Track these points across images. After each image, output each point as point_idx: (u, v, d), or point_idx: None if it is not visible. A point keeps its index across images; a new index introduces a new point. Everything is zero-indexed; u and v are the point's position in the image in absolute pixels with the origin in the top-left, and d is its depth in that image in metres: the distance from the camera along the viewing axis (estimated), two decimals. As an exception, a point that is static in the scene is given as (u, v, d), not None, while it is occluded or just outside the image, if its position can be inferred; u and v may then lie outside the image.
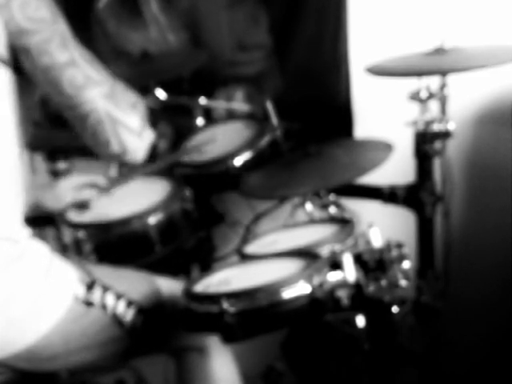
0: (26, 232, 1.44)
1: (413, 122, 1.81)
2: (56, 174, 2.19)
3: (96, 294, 1.46)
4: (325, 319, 1.45)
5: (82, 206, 1.79)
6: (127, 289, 1.51)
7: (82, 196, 1.77)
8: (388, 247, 1.48)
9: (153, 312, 1.53)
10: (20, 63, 1.37)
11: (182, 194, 1.88)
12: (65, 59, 1.36)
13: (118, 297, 1.48)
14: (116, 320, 1.48)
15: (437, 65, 1.77)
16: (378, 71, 1.85)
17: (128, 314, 1.49)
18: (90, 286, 1.46)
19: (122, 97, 1.41)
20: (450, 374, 1.97)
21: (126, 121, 1.39)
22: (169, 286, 1.60)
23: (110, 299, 1.47)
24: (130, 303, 1.49)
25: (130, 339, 1.51)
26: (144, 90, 2.19)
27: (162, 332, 1.57)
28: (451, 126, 1.80)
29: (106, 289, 1.47)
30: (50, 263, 1.43)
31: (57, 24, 1.37)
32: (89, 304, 1.45)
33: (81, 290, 1.45)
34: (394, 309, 1.43)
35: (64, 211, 1.79)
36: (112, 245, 1.81)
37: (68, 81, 1.36)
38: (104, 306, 1.46)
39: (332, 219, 1.78)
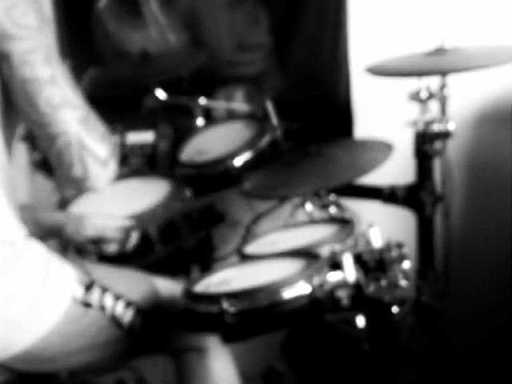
0: (22, 233, 1.44)
1: (413, 122, 1.81)
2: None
3: (95, 295, 1.46)
4: (325, 319, 1.45)
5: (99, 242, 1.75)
6: (126, 289, 1.51)
7: (104, 239, 1.72)
8: (388, 247, 1.48)
9: (151, 312, 1.53)
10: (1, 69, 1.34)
11: (182, 194, 1.88)
12: (46, 75, 1.32)
13: (117, 298, 1.48)
14: (115, 321, 1.48)
15: (437, 65, 1.77)
16: (378, 71, 1.85)
17: (127, 315, 1.49)
18: (89, 287, 1.45)
19: (94, 125, 1.38)
20: (449, 374, 1.97)
21: (94, 149, 1.37)
22: (167, 287, 1.59)
23: (108, 300, 1.47)
24: (128, 304, 1.49)
25: (129, 340, 1.51)
26: (144, 89, 2.20)
27: (161, 332, 1.56)
28: (451, 126, 1.79)
29: (104, 290, 1.47)
30: (48, 264, 1.43)
31: (43, 34, 1.32)
32: (87, 305, 1.44)
33: (79, 291, 1.44)
34: (394, 309, 1.43)
35: (81, 244, 1.74)
36: (112, 245, 1.81)
37: (45, 98, 1.32)
38: (103, 308, 1.46)
39: (332, 219, 1.78)
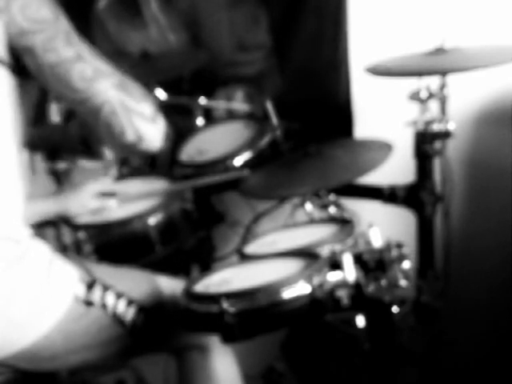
0: (27, 232, 1.44)
1: (413, 121, 1.81)
2: (56, 174, 2.18)
3: (96, 294, 1.46)
4: (325, 319, 1.45)
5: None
6: (127, 288, 1.51)
7: (105, 204, 1.84)
8: (388, 247, 1.48)
9: (153, 311, 1.53)
10: (21, 64, 1.37)
11: (182, 194, 1.89)
12: (71, 54, 1.35)
13: (119, 296, 1.48)
14: (116, 319, 1.48)
15: (437, 65, 1.77)
16: (378, 71, 1.85)
17: (128, 314, 1.49)
18: (91, 286, 1.46)
19: (132, 87, 1.41)
20: (449, 374, 1.97)
21: (139, 108, 1.39)
22: (169, 285, 1.60)
23: (110, 299, 1.47)
24: (130, 302, 1.50)
25: (131, 338, 1.51)
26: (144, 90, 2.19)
27: (163, 331, 1.57)
28: (451, 126, 1.79)
29: (106, 288, 1.47)
30: (50, 263, 1.43)
31: (59, 22, 1.36)
32: (89, 304, 1.45)
33: (81, 290, 1.45)
34: (394, 309, 1.43)
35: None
36: (112, 245, 1.81)
37: (78, 75, 1.35)
38: (104, 306, 1.46)
39: (332, 219, 1.78)
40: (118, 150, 1.45)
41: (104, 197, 1.85)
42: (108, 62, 1.43)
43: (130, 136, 1.39)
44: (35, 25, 1.34)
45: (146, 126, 1.40)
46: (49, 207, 1.79)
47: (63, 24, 1.37)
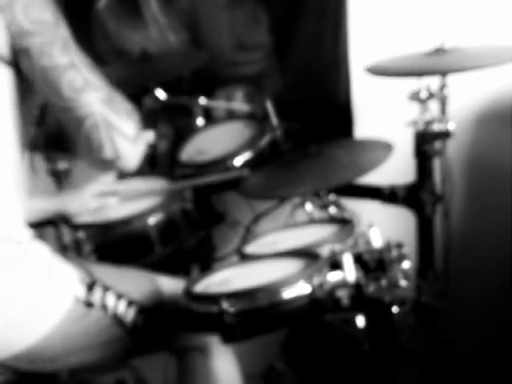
0: (28, 233, 1.44)
1: (413, 121, 1.81)
2: (56, 174, 2.19)
3: (96, 295, 1.46)
4: (325, 319, 1.45)
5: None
6: (128, 288, 1.51)
7: (106, 203, 1.86)
8: (388, 247, 1.48)
9: (154, 311, 1.53)
10: (19, 63, 1.37)
11: (182, 194, 1.89)
12: (65, 62, 1.35)
13: (119, 297, 1.48)
14: (117, 320, 1.48)
15: (437, 65, 1.77)
16: (378, 71, 1.85)
17: (129, 314, 1.49)
18: (91, 287, 1.46)
19: (118, 103, 1.40)
20: (449, 374, 1.97)
21: (121, 127, 1.38)
22: (170, 285, 1.60)
23: (110, 299, 1.47)
24: (130, 303, 1.49)
25: (132, 339, 1.51)
26: (144, 90, 2.19)
27: (164, 331, 1.57)
28: (451, 126, 1.79)
29: (106, 289, 1.47)
30: (50, 264, 1.43)
31: (59, 28, 1.37)
32: (89, 305, 1.45)
33: (81, 291, 1.45)
34: (394, 309, 1.43)
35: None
36: (112, 245, 1.81)
37: (67, 83, 1.35)
38: (104, 307, 1.46)
39: (332, 219, 1.78)
40: (92, 163, 1.44)
41: (105, 196, 1.86)
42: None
43: (107, 152, 1.38)
44: (35, 26, 1.34)
45: (126, 144, 1.39)
46: (49, 205, 1.80)
47: (63, 30, 1.37)
